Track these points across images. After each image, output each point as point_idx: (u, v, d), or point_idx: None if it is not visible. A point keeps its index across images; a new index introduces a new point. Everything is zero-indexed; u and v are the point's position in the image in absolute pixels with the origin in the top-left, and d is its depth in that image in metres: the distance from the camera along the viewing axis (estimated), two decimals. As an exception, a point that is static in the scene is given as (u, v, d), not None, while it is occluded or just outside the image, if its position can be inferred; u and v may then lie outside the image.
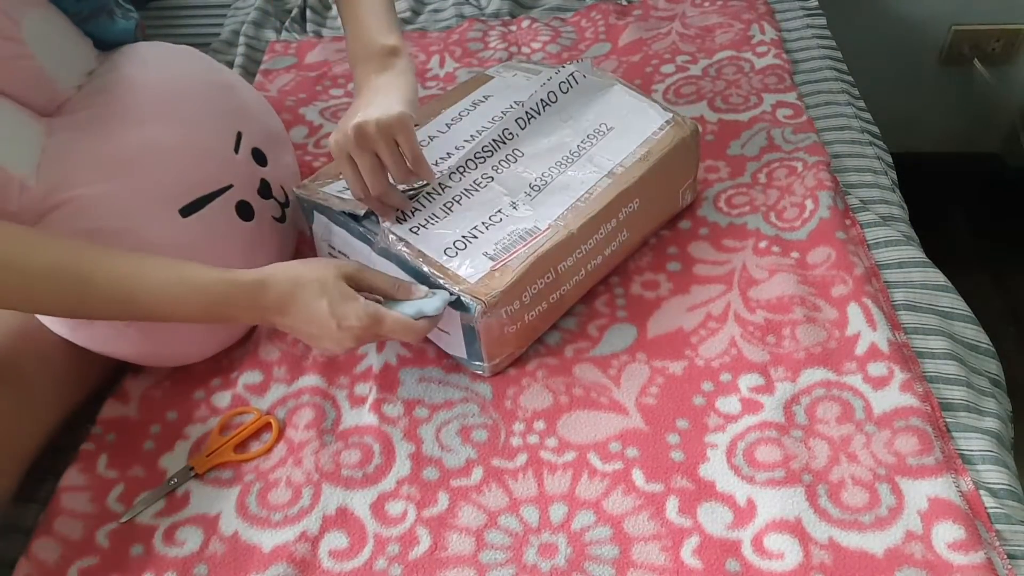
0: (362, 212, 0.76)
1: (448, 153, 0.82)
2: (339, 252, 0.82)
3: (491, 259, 0.73)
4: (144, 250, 0.71)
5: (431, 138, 0.84)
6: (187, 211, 0.76)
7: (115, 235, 0.72)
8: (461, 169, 0.80)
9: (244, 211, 0.81)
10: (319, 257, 0.85)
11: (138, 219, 0.73)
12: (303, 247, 0.91)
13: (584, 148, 0.82)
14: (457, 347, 0.76)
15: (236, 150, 0.82)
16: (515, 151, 0.82)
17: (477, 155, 0.81)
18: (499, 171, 0.81)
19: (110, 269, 0.67)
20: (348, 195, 0.78)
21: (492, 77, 0.93)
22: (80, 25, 0.79)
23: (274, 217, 0.85)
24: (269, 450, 0.73)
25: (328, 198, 0.79)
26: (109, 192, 0.73)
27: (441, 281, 0.72)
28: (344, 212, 0.77)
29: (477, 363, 0.76)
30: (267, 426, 0.75)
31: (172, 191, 0.76)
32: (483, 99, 0.89)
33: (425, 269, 0.73)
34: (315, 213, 0.82)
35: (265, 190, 0.84)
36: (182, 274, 0.69)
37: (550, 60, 1.15)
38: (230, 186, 0.79)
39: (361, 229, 0.77)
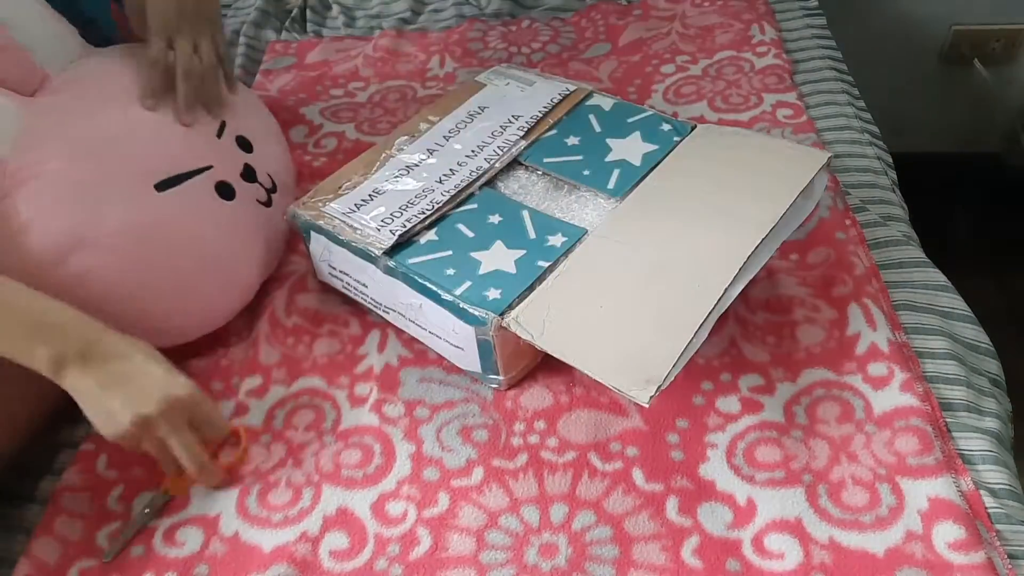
0: (376, 253, 0.74)
1: (451, 170, 0.81)
2: (340, 271, 0.80)
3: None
4: (116, 222, 0.72)
5: (430, 151, 0.84)
6: (163, 186, 0.76)
7: (83, 209, 0.72)
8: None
9: (224, 191, 0.81)
10: None
11: (109, 192, 0.74)
12: (296, 241, 0.90)
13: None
14: (471, 362, 0.74)
15: (219, 135, 0.83)
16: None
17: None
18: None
19: None
20: (358, 223, 0.77)
21: (484, 85, 0.93)
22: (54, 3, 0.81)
23: (259, 200, 0.85)
24: (245, 453, 0.73)
25: (335, 224, 0.78)
26: (81, 167, 0.73)
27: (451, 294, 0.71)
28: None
29: (492, 377, 0.74)
30: (234, 435, 0.74)
31: (147, 166, 0.76)
32: (479, 111, 0.89)
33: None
34: (312, 233, 0.80)
35: (249, 174, 0.84)
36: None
37: (550, 60, 1.15)
38: (210, 167, 0.80)
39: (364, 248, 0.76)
